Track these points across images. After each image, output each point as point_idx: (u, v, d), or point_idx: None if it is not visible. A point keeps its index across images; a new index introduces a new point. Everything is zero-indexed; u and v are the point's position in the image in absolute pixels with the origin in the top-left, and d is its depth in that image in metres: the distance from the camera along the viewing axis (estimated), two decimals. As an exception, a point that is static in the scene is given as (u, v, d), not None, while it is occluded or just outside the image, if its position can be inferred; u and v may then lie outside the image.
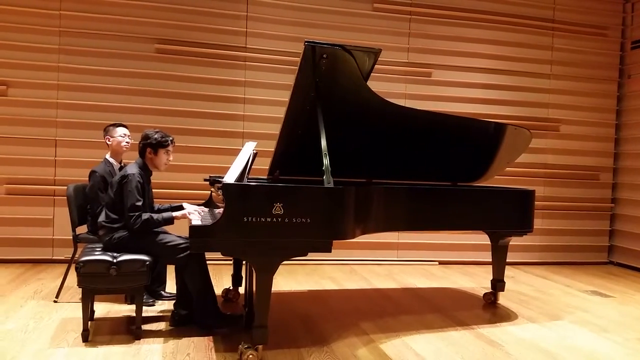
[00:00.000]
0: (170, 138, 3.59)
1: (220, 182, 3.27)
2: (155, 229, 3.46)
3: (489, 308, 4.40)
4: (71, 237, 4.00)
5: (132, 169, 3.45)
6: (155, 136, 3.52)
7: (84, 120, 5.41)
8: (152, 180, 3.66)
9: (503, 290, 4.45)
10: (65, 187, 4.09)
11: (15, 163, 5.34)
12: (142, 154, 3.56)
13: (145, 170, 3.55)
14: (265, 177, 4.13)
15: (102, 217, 3.48)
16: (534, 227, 4.32)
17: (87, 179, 4.08)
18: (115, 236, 3.37)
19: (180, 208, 3.66)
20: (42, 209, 5.40)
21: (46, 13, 5.38)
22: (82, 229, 4.10)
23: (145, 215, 3.37)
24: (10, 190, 5.34)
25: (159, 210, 3.69)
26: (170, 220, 3.45)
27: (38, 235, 5.39)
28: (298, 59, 3.16)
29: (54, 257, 5.39)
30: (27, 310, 3.78)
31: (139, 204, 3.36)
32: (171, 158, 3.64)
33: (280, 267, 2.97)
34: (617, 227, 6.77)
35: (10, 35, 5.32)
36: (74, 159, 5.38)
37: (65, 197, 4.03)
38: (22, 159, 5.35)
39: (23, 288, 4.39)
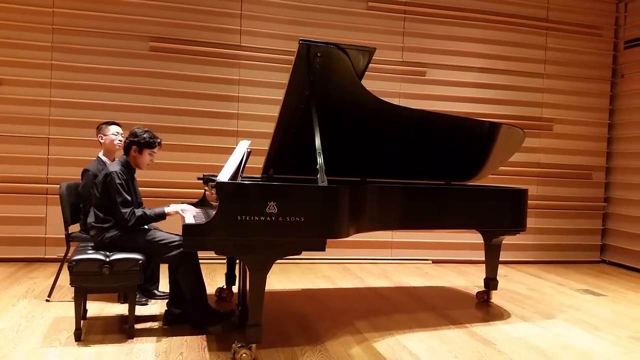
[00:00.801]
0: (158, 140, 3.57)
1: (214, 180, 3.26)
2: (147, 227, 3.46)
3: (482, 307, 4.42)
4: (64, 236, 3.99)
5: (114, 167, 3.43)
6: (144, 136, 3.49)
7: (77, 118, 5.39)
8: (145, 180, 3.65)
9: (496, 288, 4.47)
10: (58, 186, 4.07)
11: (8, 161, 5.31)
12: (126, 151, 3.53)
13: (128, 168, 3.52)
14: (259, 175, 4.13)
15: (91, 218, 3.46)
16: (527, 226, 4.34)
17: (80, 177, 4.06)
18: (107, 236, 3.35)
19: (162, 213, 3.50)
20: (34, 208, 5.37)
21: (39, 10, 5.35)
22: (75, 228, 4.08)
23: (138, 212, 3.37)
24: (3, 189, 5.30)
25: None
26: (162, 216, 3.44)
27: (30, 234, 5.36)
28: (292, 58, 3.15)
29: (46, 256, 5.36)
30: (19, 309, 3.76)
31: (129, 198, 3.36)
32: (154, 159, 3.63)
33: (274, 265, 2.96)
34: (610, 226, 6.81)
35: (2, 32, 5.28)
36: (67, 157, 5.35)
37: (58, 196, 4.01)
38: (15, 157, 5.31)
39: (15, 287, 4.36)
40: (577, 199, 6.73)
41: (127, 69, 5.52)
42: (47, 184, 5.37)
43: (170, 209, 3.48)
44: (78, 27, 5.42)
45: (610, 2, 6.79)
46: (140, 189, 3.78)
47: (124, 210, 3.31)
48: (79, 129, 5.35)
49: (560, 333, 3.76)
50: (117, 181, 3.33)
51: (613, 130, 6.84)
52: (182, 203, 3.68)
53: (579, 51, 6.68)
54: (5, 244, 5.31)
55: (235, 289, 4.17)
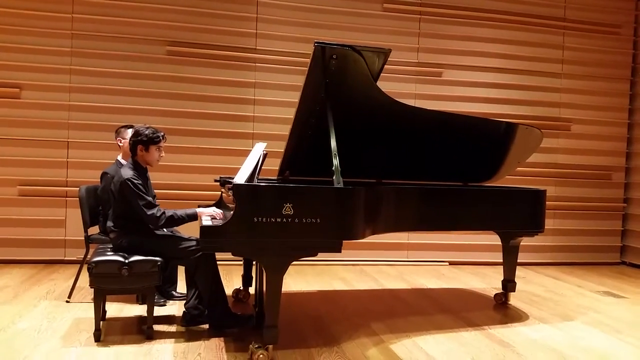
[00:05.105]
0: (162, 134, 3.51)
1: (230, 182, 3.28)
2: (166, 231, 3.47)
3: (500, 309, 4.38)
4: (83, 238, 4.04)
5: (127, 172, 3.38)
6: (146, 132, 3.44)
7: (96, 122, 5.46)
8: (162, 182, 3.65)
9: (514, 290, 4.43)
10: (77, 189, 4.13)
11: (28, 165, 5.39)
12: (133, 151, 3.49)
13: (139, 170, 3.48)
14: (275, 177, 4.14)
15: (110, 223, 3.49)
16: (545, 227, 4.30)
17: (99, 180, 4.12)
18: (125, 240, 3.38)
19: (194, 214, 3.50)
20: (54, 210, 5.45)
21: (58, 16, 5.44)
22: (94, 230, 4.14)
23: (169, 212, 3.33)
24: (23, 192, 5.39)
25: None
26: (194, 217, 3.40)
27: (50, 236, 5.44)
28: (308, 60, 3.17)
29: (66, 258, 5.44)
30: (40, 310, 3.82)
31: (151, 199, 3.35)
32: (163, 154, 3.57)
33: (290, 267, 2.98)
34: (630, 227, 6.71)
35: (23, 38, 5.37)
36: (86, 160, 5.43)
37: (78, 199, 4.06)
38: (35, 161, 5.40)
39: (36, 288, 4.43)
40: (596, 199, 6.65)
41: (145, 73, 5.58)
42: (66, 186, 5.45)
43: (203, 210, 3.44)
44: (96, 33, 5.50)
45: None
46: (156, 191, 3.81)
47: (151, 212, 3.28)
48: (98, 132, 5.42)
49: (580, 335, 3.72)
50: (134, 186, 3.30)
51: (633, 130, 6.74)
52: (199, 207, 3.69)
53: (597, 50, 6.60)
54: (26, 245, 5.39)
55: (252, 290, 4.19)
